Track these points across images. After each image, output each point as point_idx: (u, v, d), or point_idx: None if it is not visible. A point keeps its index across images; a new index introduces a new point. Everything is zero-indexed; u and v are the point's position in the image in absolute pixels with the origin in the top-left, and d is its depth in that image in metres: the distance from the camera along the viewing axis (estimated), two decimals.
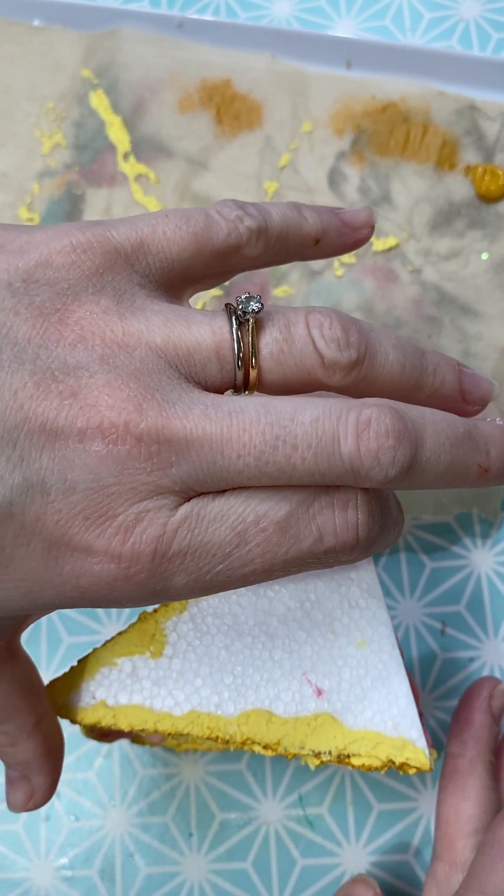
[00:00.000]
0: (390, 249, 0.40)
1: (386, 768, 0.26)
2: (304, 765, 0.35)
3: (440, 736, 0.35)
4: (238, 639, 0.27)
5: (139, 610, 0.37)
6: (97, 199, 0.42)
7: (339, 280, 0.40)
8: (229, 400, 0.20)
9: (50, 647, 0.37)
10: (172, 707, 0.26)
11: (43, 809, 0.35)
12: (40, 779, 0.26)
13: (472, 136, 0.41)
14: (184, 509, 0.20)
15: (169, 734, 0.27)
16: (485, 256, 0.40)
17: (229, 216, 0.22)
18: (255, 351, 0.21)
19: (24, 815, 0.35)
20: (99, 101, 0.43)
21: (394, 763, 0.26)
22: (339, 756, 0.26)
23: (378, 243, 0.40)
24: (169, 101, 0.43)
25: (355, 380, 0.21)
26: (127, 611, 0.37)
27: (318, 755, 0.26)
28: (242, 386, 0.21)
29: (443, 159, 0.41)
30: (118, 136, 0.43)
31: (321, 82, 0.43)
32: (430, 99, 0.42)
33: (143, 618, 0.28)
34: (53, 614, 0.37)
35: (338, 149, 0.42)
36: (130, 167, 0.42)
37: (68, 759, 0.35)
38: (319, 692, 0.26)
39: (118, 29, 0.44)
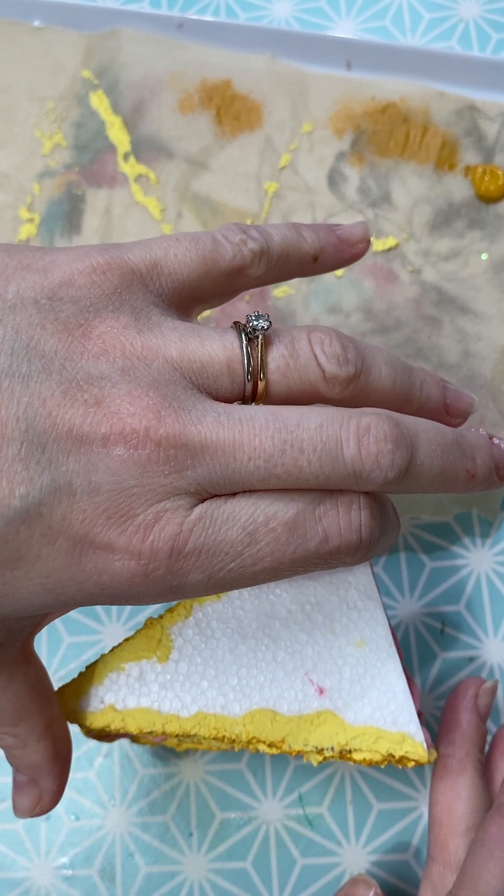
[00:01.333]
0: (390, 250, 0.40)
1: (386, 762, 0.27)
2: (304, 764, 0.35)
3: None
4: (242, 642, 0.27)
5: (140, 611, 0.37)
6: (97, 199, 0.42)
7: (338, 280, 0.40)
8: (239, 409, 0.22)
9: (50, 647, 0.37)
10: (179, 709, 0.27)
11: None
12: (48, 783, 0.27)
13: (472, 137, 0.41)
14: (199, 510, 0.21)
15: (175, 735, 0.27)
16: (484, 256, 0.40)
17: (234, 239, 0.24)
18: (263, 365, 0.22)
19: None
20: (99, 102, 0.43)
21: (393, 757, 0.27)
22: (341, 752, 0.27)
23: (378, 243, 0.40)
24: (169, 101, 0.43)
25: (352, 392, 0.23)
26: (127, 610, 0.37)
27: (321, 751, 0.27)
28: (251, 397, 0.23)
29: (442, 160, 0.41)
30: (118, 136, 0.43)
31: (321, 83, 0.43)
32: (429, 99, 0.42)
33: (149, 623, 0.28)
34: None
35: (338, 149, 0.42)
36: (130, 167, 0.42)
37: None
38: (321, 691, 0.27)
39: (118, 29, 0.44)
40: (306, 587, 0.28)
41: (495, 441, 0.25)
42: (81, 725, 0.28)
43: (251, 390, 0.22)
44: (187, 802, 0.35)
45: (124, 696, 0.28)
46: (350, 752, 0.27)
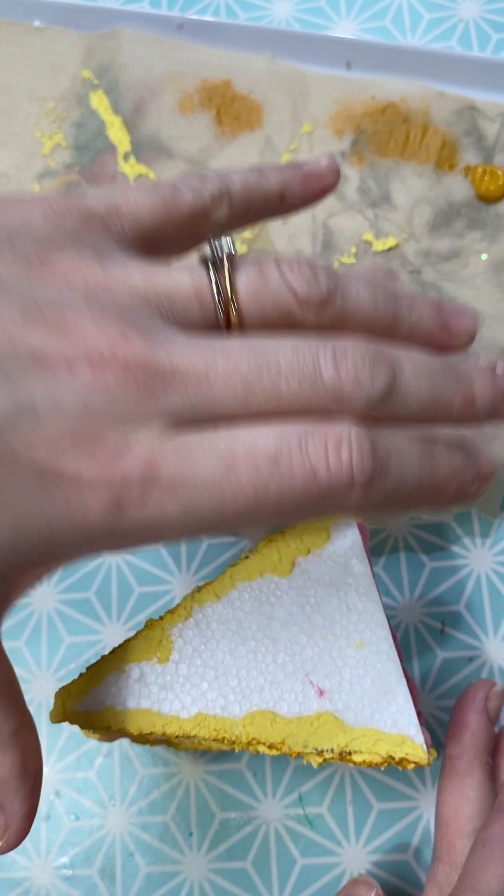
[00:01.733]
0: (390, 250, 0.40)
1: (386, 764, 0.27)
2: (305, 764, 0.35)
3: (440, 735, 0.35)
4: (242, 643, 0.28)
5: (140, 611, 0.37)
6: None
7: None
8: (212, 337, 0.21)
9: (50, 646, 0.37)
10: (180, 710, 0.27)
11: (43, 808, 0.35)
12: (16, 805, 0.23)
13: (472, 137, 0.41)
14: (172, 437, 0.20)
15: (175, 736, 0.27)
16: (484, 257, 0.40)
17: (193, 184, 0.24)
18: (233, 290, 0.22)
19: None
20: (99, 102, 0.43)
21: (393, 759, 0.27)
22: (340, 753, 0.27)
23: (378, 244, 0.40)
24: (169, 101, 0.43)
25: (331, 317, 0.22)
26: (128, 609, 0.37)
27: (320, 753, 0.27)
28: (225, 325, 0.22)
29: (442, 160, 0.41)
30: (118, 136, 0.43)
31: (321, 83, 0.43)
32: (429, 99, 0.42)
33: (149, 625, 0.28)
34: (52, 612, 0.37)
35: (338, 149, 0.42)
36: (131, 168, 0.43)
37: (68, 759, 0.35)
38: (321, 692, 0.27)
39: (118, 30, 0.44)
40: (306, 589, 0.28)
41: (498, 371, 0.23)
42: (82, 726, 0.28)
43: (224, 318, 0.22)
44: (187, 802, 0.35)
45: (124, 697, 0.27)
46: (350, 753, 0.27)
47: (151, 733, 0.27)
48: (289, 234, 0.41)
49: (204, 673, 0.27)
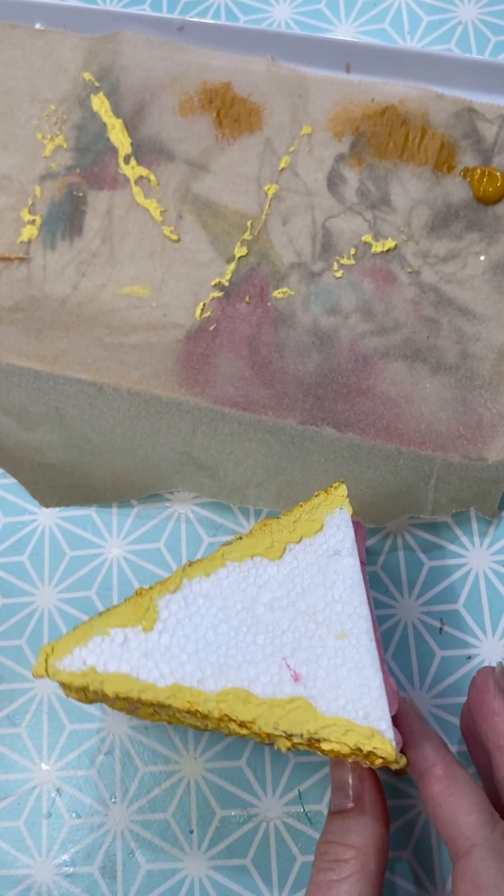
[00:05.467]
0: (389, 251, 0.41)
1: (353, 756, 0.27)
2: (304, 761, 0.35)
3: (440, 733, 0.35)
4: (225, 621, 0.28)
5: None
6: (98, 201, 0.43)
7: (338, 281, 0.40)
8: None
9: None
10: (157, 679, 0.27)
11: (44, 806, 0.35)
12: None
13: (471, 139, 0.41)
14: None
15: (150, 704, 0.28)
16: (483, 258, 0.40)
17: None
18: None
19: (26, 812, 0.35)
20: (100, 104, 0.44)
21: (361, 751, 0.27)
22: (309, 740, 0.27)
23: (377, 245, 0.41)
24: (169, 104, 0.43)
25: None
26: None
27: (289, 737, 0.27)
28: None
29: (441, 162, 0.41)
30: (119, 138, 0.43)
31: (320, 85, 0.43)
32: (428, 102, 0.42)
33: (139, 592, 0.29)
34: (53, 610, 0.38)
35: (337, 151, 0.42)
36: (131, 170, 0.43)
37: (69, 757, 0.36)
38: (297, 677, 0.27)
39: (119, 32, 0.44)
40: (294, 575, 0.29)
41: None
42: (62, 684, 0.28)
43: None
44: (187, 800, 0.35)
45: (106, 659, 0.28)
46: (319, 741, 0.27)
47: (127, 698, 0.28)
48: (288, 236, 0.41)
49: (185, 645, 0.28)
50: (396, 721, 0.29)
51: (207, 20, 0.44)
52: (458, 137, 0.42)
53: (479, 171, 0.41)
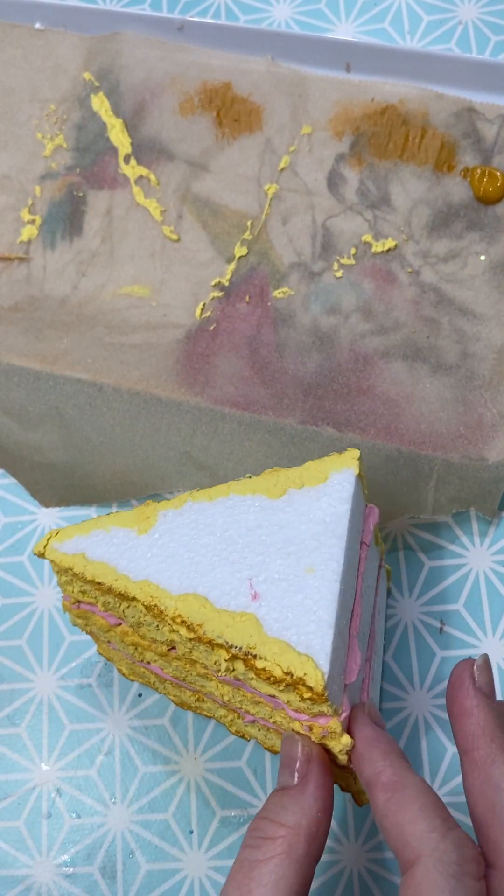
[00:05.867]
0: (389, 251, 0.41)
1: (284, 683, 0.27)
2: None
3: (439, 734, 0.35)
4: (207, 534, 0.30)
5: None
6: (98, 201, 0.43)
7: (338, 281, 0.40)
8: None
9: (52, 645, 0.37)
10: (132, 572, 0.29)
11: (44, 807, 0.35)
12: None
13: (471, 139, 0.41)
14: None
15: (121, 595, 0.29)
16: (483, 258, 0.40)
17: None
18: None
19: (26, 812, 0.35)
20: (100, 104, 0.44)
21: (291, 676, 0.27)
22: (246, 654, 0.27)
23: (377, 245, 0.41)
24: (169, 103, 0.43)
25: None
26: None
27: (229, 648, 0.28)
28: None
29: (441, 161, 0.41)
30: (119, 138, 0.43)
31: (321, 85, 0.43)
32: (428, 101, 0.42)
33: (147, 503, 0.31)
34: (53, 610, 0.37)
35: (337, 151, 0.42)
36: (131, 169, 0.43)
37: (69, 757, 0.36)
38: (255, 596, 0.28)
39: (119, 32, 0.44)
40: (283, 512, 0.30)
41: None
42: (53, 562, 0.30)
43: None
44: (188, 800, 0.35)
45: (96, 549, 0.30)
46: (255, 657, 0.27)
47: (101, 584, 0.29)
48: (288, 236, 0.41)
49: (166, 549, 0.30)
50: (350, 726, 0.28)
51: (207, 20, 0.44)
52: (459, 137, 0.42)
53: (479, 170, 0.41)
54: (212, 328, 0.40)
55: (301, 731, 0.28)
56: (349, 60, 0.43)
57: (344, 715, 0.27)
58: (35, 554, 0.31)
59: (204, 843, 0.34)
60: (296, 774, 0.27)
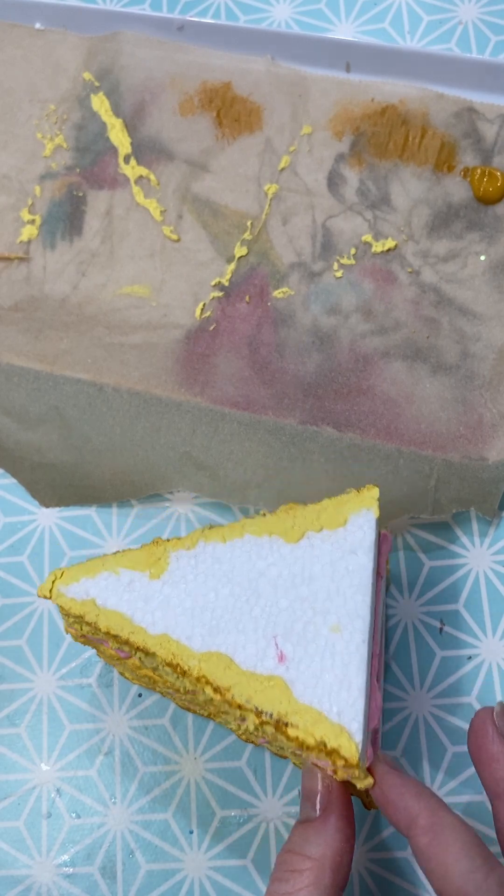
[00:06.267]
0: (389, 251, 0.41)
1: (318, 751, 0.27)
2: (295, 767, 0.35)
3: (439, 734, 0.35)
4: (227, 586, 0.28)
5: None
6: (98, 201, 0.43)
7: (338, 281, 0.40)
8: None
9: (52, 645, 0.37)
10: (150, 625, 0.28)
11: (44, 807, 0.35)
12: None
13: (471, 139, 0.41)
14: None
15: (138, 648, 0.28)
16: (483, 258, 0.40)
17: None
18: None
19: (26, 812, 0.35)
20: (100, 104, 0.44)
21: (325, 746, 0.26)
22: (277, 722, 0.27)
23: (377, 245, 0.41)
24: (169, 103, 0.43)
25: None
26: None
27: (259, 714, 0.27)
28: None
29: (441, 161, 0.41)
30: (119, 138, 0.43)
31: (321, 85, 0.43)
32: (428, 101, 0.42)
33: (156, 542, 0.30)
34: (53, 610, 0.37)
35: (337, 151, 0.42)
36: (131, 169, 0.43)
37: (70, 757, 0.36)
38: (282, 657, 0.27)
39: (119, 32, 0.44)
40: (305, 560, 0.29)
41: None
42: (61, 608, 0.29)
43: None
44: (188, 800, 0.35)
45: (108, 595, 0.29)
46: (287, 725, 0.27)
47: (117, 637, 0.28)
48: (288, 236, 0.41)
49: (183, 600, 0.28)
50: (373, 774, 0.28)
51: (207, 20, 0.44)
52: (459, 137, 0.42)
53: (479, 170, 0.41)
54: (212, 328, 0.40)
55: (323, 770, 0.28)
56: (349, 60, 0.43)
57: (368, 763, 0.27)
58: (40, 596, 0.30)
59: (204, 843, 0.34)
60: (318, 807, 0.28)
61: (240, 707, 0.27)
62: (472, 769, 0.34)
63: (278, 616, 0.28)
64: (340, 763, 0.26)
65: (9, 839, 0.35)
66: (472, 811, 0.34)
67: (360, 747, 0.26)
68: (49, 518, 0.39)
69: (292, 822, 0.34)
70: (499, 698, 0.35)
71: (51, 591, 0.29)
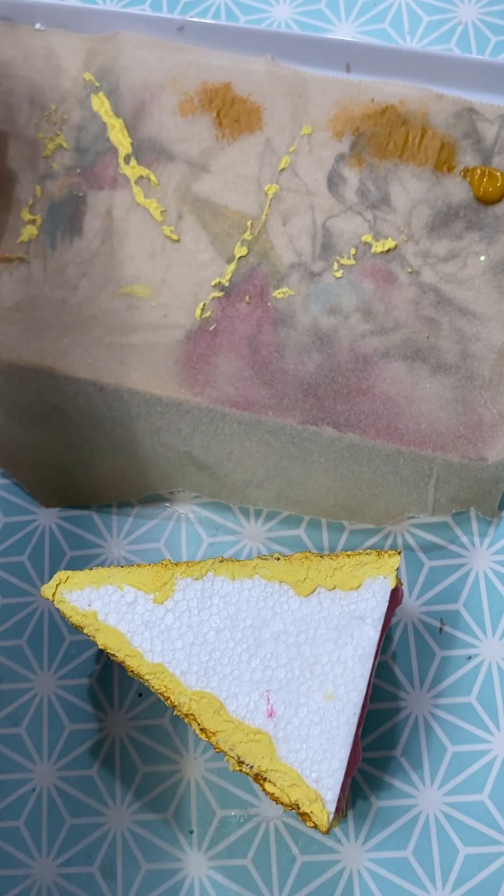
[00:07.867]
0: (389, 251, 0.41)
1: (290, 809, 0.28)
2: None
3: (439, 734, 0.35)
4: (229, 629, 0.28)
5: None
6: (98, 201, 0.43)
7: (338, 281, 0.40)
8: None
9: (52, 645, 0.37)
10: (147, 652, 0.28)
11: (45, 807, 0.35)
12: None
13: (471, 139, 0.41)
14: None
15: (131, 671, 0.28)
16: (483, 258, 0.40)
17: None
18: None
19: (26, 812, 0.35)
20: (100, 104, 0.44)
21: (298, 808, 0.27)
22: (256, 775, 0.27)
23: (377, 245, 0.41)
24: (169, 104, 0.43)
25: None
26: None
27: (240, 762, 0.28)
28: None
29: (441, 162, 0.41)
30: (119, 138, 0.43)
31: (321, 85, 0.43)
32: (428, 102, 0.42)
33: (164, 564, 0.30)
34: (54, 610, 0.38)
35: (337, 151, 0.42)
36: (131, 170, 0.43)
37: (69, 757, 0.36)
38: (272, 713, 0.28)
39: (119, 32, 0.44)
40: (312, 619, 0.29)
41: None
42: (62, 612, 0.29)
43: None
44: (188, 800, 0.35)
45: (109, 611, 0.29)
46: (265, 780, 0.27)
47: (114, 656, 0.28)
48: (288, 236, 0.41)
49: (185, 633, 0.28)
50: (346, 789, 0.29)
51: (207, 20, 0.44)
52: (459, 137, 0.42)
53: (479, 171, 0.41)
54: (212, 328, 0.40)
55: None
56: (349, 61, 0.43)
57: (335, 810, 0.28)
58: (43, 596, 0.30)
59: (204, 843, 0.34)
60: None
61: (222, 751, 0.28)
62: (472, 768, 0.34)
63: (275, 671, 0.28)
64: (310, 823, 0.27)
65: (9, 838, 0.35)
66: (472, 811, 0.34)
67: (330, 817, 0.27)
68: (49, 518, 0.39)
69: (292, 821, 0.34)
70: (499, 698, 0.35)
71: (54, 594, 0.29)
